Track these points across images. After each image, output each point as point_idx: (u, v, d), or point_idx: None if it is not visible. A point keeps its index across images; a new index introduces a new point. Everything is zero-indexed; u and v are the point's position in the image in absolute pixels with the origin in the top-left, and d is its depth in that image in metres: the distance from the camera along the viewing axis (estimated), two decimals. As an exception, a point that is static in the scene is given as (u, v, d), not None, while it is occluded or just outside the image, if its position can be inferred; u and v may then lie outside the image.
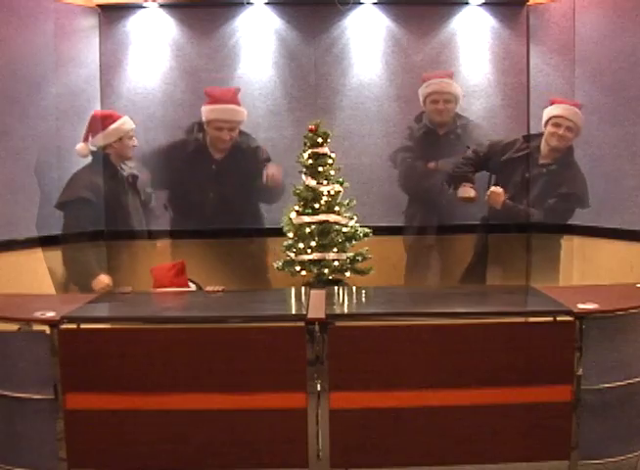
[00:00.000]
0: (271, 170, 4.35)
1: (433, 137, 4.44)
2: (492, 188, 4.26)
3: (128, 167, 4.35)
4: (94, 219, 4.29)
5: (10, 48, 4.01)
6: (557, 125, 4.19)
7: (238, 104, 4.35)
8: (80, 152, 4.20)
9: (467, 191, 4.28)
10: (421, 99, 4.41)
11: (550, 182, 4.24)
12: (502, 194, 4.23)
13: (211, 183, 4.42)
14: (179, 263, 3.76)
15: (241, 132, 4.42)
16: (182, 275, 3.71)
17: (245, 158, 4.40)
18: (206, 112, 4.33)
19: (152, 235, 4.45)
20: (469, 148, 4.38)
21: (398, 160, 4.53)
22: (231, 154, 4.40)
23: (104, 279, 4.14)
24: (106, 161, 4.24)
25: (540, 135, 4.30)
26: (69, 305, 2.98)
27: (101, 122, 4.23)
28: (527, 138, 4.36)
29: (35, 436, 2.79)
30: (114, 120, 4.24)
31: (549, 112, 4.24)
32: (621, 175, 4.12)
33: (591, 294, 2.99)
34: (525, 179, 4.30)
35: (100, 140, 4.21)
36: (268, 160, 4.45)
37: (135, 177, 4.37)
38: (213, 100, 4.32)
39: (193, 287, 3.75)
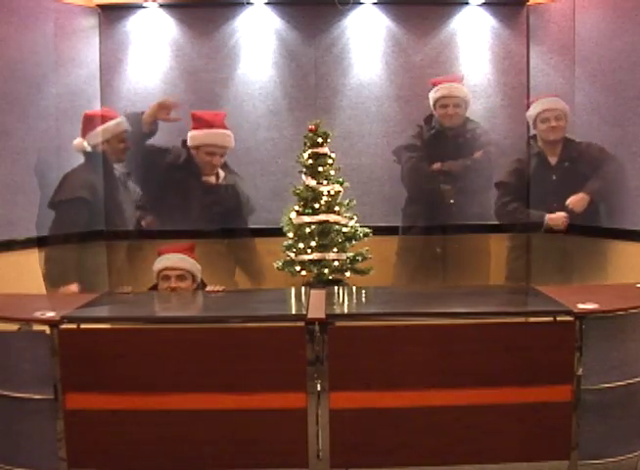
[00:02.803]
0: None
1: (441, 138, 4.42)
2: (552, 215, 4.21)
3: (120, 167, 4.33)
4: (90, 219, 4.26)
5: (10, 48, 4.01)
6: (545, 120, 4.20)
7: (226, 128, 4.32)
8: (76, 147, 4.19)
9: (560, 216, 4.20)
10: (431, 103, 4.40)
11: (581, 174, 4.16)
12: (561, 217, 4.19)
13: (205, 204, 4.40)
14: (189, 244, 3.82)
15: (230, 171, 4.40)
16: (191, 254, 3.78)
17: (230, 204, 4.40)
18: (199, 136, 4.25)
19: (152, 235, 4.45)
20: (500, 187, 4.36)
21: (403, 157, 4.51)
22: (219, 193, 4.37)
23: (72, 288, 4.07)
24: (103, 160, 4.23)
25: (532, 142, 4.32)
26: (69, 304, 2.98)
27: (92, 122, 4.23)
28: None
29: (35, 436, 2.79)
30: (104, 121, 4.22)
31: (531, 112, 4.26)
32: (621, 175, 4.11)
33: (591, 294, 2.99)
34: (553, 182, 4.24)
35: (91, 140, 4.20)
36: (252, 211, 4.46)
37: (128, 175, 4.36)
38: (204, 124, 4.25)
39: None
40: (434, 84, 4.39)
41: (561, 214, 4.19)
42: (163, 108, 4.30)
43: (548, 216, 4.24)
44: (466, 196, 4.46)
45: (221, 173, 4.37)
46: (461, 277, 4.51)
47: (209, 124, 4.25)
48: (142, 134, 4.31)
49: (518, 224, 4.40)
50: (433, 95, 4.38)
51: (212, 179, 4.33)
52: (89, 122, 4.23)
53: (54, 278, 4.11)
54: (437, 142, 4.42)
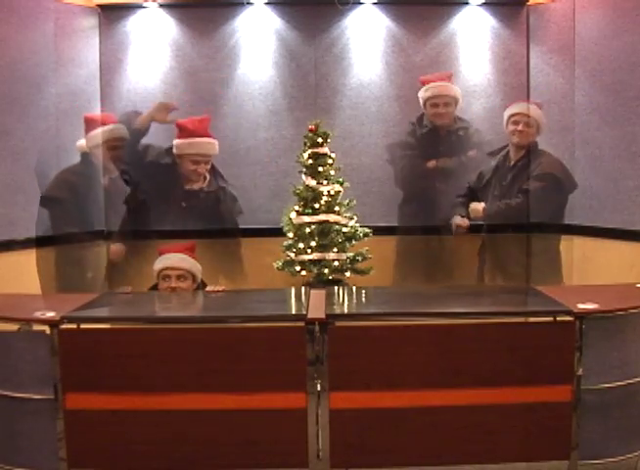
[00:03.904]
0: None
1: (434, 136, 4.43)
2: (472, 204, 4.35)
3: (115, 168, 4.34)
4: (68, 220, 4.25)
5: (10, 48, 4.01)
6: (515, 123, 4.25)
7: (210, 136, 4.31)
8: (78, 148, 4.22)
9: (455, 221, 4.39)
10: (421, 102, 4.40)
11: (522, 174, 4.27)
12: (479, 206, 4.32)
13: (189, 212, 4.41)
14: (189, 244, 3.84)
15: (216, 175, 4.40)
16: (192, 254, 3.79)
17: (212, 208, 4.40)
18: (183, 145, 4.26)
19: (152, 235, 4.44)
20: (467, 186, 4.44)
21: (397, 155, 4.53)
22: (206, 198, 4.37)
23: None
24: (95, 162, 4.24)
25: (502, 149, 4.36)
26: (69, 304, 2.98)
27: (89, 124, 4.25)
28: (493, 152, 4.40)
29: (35, 436, 2.79)
30: (97, 126, 4.24)
31: (506, 112, 4.31)
32: (621, 175, 4.12)
33: (591, 294, 2.99)
34: (507, 184, 4.32)
35: (88, 141, 4.22)
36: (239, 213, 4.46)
37: (123, 173, 4.36)
38: (188, 133, 4.25)
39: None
40: (424, 83, 4.39)
41: (457, 221, 4.37)
42: (163, 109, 4.30)
43: (454, 220, 4.39)
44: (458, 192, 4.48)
45: (207, 178, 4.36)
46: (461, 277, 4.51)
47: (193, 133, 4.26)
48: (133, 130, 4.32)
49: (517, 224, 4.41)
50: (422, 94, 4.38)
51: (196, 186, 4.34)
52: (89, 125, 4.25)
53: (77, 276, 4.18)
54: (429, 139, 4.43)
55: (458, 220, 4.38)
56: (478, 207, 4.35)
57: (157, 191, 4.39)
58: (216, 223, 4.44)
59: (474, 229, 4.47)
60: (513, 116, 4.28)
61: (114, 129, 4.27)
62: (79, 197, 4.26)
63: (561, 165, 4.25)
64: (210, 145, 4.31)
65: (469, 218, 4.36)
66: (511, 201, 4.28)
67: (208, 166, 4.33)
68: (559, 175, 4.23)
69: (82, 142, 4.23)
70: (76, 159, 4.24)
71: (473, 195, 4.43)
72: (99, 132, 4.23)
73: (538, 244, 4.42)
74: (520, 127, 4.24)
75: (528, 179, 4.24)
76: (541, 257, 4.41)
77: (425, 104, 4.39)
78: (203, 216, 4.39)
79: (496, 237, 4.49)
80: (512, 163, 4.31)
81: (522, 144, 4.27)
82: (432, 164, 4.44)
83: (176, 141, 4.29)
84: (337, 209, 4.00)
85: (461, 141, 4.45)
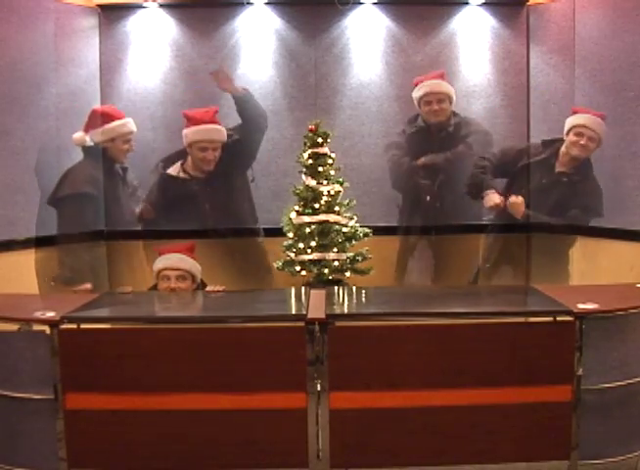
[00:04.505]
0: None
1: (424, 135, 4.41)
2: (512, 198, 4.19)
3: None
4: (96, 215, 4.27)
5: (10, 48, 4.01)
6: (579, 135, 4.10)
7: (218, 124, 4.30)
8: (77, 141, 4.18)
9: (492, 199, 4.20)
10: (415, 103, 4.38)
11: (569, 192, 4.18)
12: (522, 204, 4.19)
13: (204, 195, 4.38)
14: (189, 244, 3.84)
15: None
16: (191, 254, 3.79)
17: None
18: (190, 134, 4.25)
19: (151, 235, 4.44)
20: (484, 158, 4.35)
21: (388, 155, 4.53)
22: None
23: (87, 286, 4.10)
24: (103, 157, 4.22)
25: (555, 142, 4.26)
26: (69, 304, 2.98)
27: (99, 119, 4.22)
28: (545, 143, 4.29)
29: (35, 436, 2.79)
30: (112, 119, 4.22)
31: (572, 120, 4.15)
32: (621, 175, 4.11)
33: (591, 294, 2.99)
34: (543, 186, 4.24)
35: (95, 136, 4.19)
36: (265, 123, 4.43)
37: (125, 170, 4.35)
38: (194, 122, 4.25)
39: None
40: (417, 84, 4.37)
41: (496, 200, 4.18)
42: (222, 78, 4.34)
43: (488, 196, 4.23)
44: (452, 190, 4.44)
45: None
46: (461, 277, 4.51)
47: (200, 121, 4.25)
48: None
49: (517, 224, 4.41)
50: (415, 94, 4.36)
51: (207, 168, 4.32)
52: (95, 118, 4.22)
53: (77, 276, 4.13)
54: (419, 137, 4.41)
55: (496, 199, 4.19)
56: (519, 202, 4.16)
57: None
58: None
59: (473, 229, 4.47)
60: (578, 126, 4.12)
61: (126, 124, 4.25)
62: (103, 191, 4.25)
63: (601, 197, 4.13)
64: (217, 131, 4.28)
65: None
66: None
67: (217, 154, 4.30)
68: (599, 210, 4.14)
69: (80, 134, 4.18)
70: (78, 155, 4.21)
71: (493, 173, 4.30)
72: (111, 127, 4.19)
73: (538, 244, 4.42)
74: (583, 141, 4.09)
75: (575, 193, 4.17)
76: (541, 256, 4.41)
77: (419, 103, 4.38)
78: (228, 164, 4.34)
79: (497, 237, 4.49)
80: (558, 170, 4.19)
81: (580, 157, 4.14)
82: (420, 161, 4.41)
83: (184, 131, 4.28)
84: (337, 209, 4.00)
85: (452, 136, 4.40)
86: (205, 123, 4.25)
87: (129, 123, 4.27)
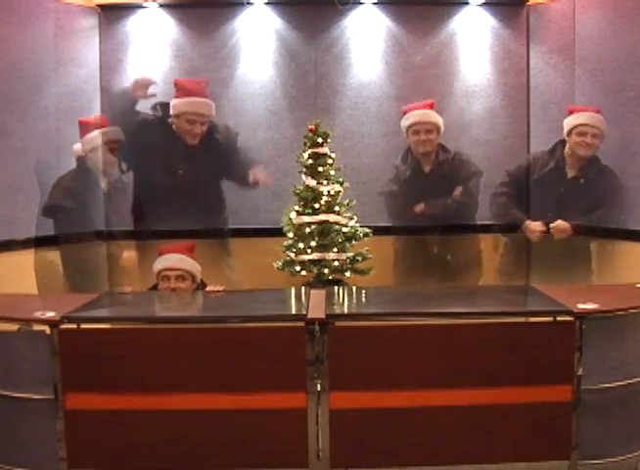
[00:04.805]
0: (258, 176, 4.32)
1: (419, 177, 4.35)
2: (558, 222, 4.15)
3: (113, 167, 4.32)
4: (70, 225, 4.24)
5: (10, 48, 4.01)
6: (583, 134, 4.08)
7: (207, 97, 4.27)
8: (74, 152, 4.21)
9: (536, 229, 4.22)
10: (403, 131, 4.34)
11: (590, 193, 4.16)
12: (568, 229, 4.15)
13: (187, 172, 4.33)
14: (189, 244, 3.83)
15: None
16: (191, 254, 3.78)
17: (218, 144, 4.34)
18: (179, 104, 4.21)
19: (151, 235, 4.44)
20: (502, 184, 4.36)
21: (386, 203, 4.51)
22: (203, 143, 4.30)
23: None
24: (83, 166, 4.21)
25: (557, 146, 4.24)
26: (69, 304, 2.98)
27: (84, 128, 4.23)
28: (550, 151, 4.26)
29: (35, 436, 2.79)
30: (98, 127, 4.22)
31: (571, 121, 4.12)
32: (621, 175, 4.11)
33: (591, 294, 2.99)
34: (562, 196, 4.21)
35: (84, 145, 4.20)
36: (237, 135, 4.41)
37: (123, 171, 4.34)
38: (185, 92, 4.21)
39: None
40: (405, 113, 4.33)
41: (537, 227, 4.21)
42: (141, 86, 4.28)
43: (527, 223, 4.26)
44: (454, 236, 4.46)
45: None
46: (461, 277, 4.51)
47: (190, 93, 4.22)
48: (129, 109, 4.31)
49: (504, 224, 4.42)
50: (404, 123, 4.31)
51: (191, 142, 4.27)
52: (83, 128, 4.23)
53: (78, 276, 4.16)
54: (414, 181, 4.35)
55: (538, 228, 4.21)
56: (563, 228, 4.14)
57: (155, 151, 4.33)
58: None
59: (470, 229, 4.47)
60: (579, 126, 4.09)
61: (110, 132, 4.25)
62: (80, 202, 4.23)
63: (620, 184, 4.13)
64: (206, 105, 4.25)
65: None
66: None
67: (205, 128, 4.26)
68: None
69: (78, 146, 4.21)
70: (74, 161, 4.23)
71: (517, 189, 4.32)
72: (96, 134, 4.21)
73: (539, 244, 4.40)
74: (588, 140, 4.06)
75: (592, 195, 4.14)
76: (542, 256, 4.40)
77: (407, 132, 4.32)
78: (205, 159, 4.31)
79: (497, 237, 4.50)
80: (571, 174, 4.17)
81: (586, 156, 4.12)
82: (419, 209, 4.36)
83: (173, 101, 4.25)
84: (337, 209, 4.00)
85: (446, 178, 4.33)
86: (197, 96, 4.23)
87: (114, 131, 4.25)
